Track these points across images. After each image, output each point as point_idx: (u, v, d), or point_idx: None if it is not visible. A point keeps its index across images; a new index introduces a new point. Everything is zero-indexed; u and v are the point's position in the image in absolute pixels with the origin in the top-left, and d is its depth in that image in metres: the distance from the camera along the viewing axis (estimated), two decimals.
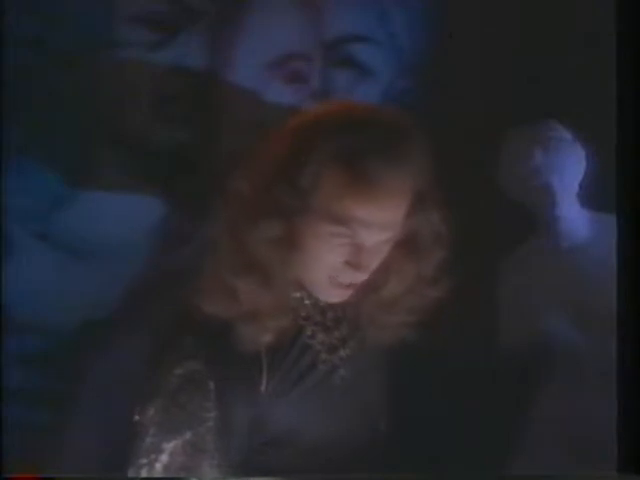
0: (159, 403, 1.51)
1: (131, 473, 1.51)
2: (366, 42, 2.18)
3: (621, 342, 1.65)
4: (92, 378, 1.97)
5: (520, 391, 1.93)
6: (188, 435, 1.50)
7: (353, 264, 1.49)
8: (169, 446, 1.49)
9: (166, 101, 2.07)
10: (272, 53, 2.11)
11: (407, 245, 1.56)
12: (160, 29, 2.04)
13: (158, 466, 1.49)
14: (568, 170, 2.07)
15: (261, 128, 1.97)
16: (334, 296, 1.57)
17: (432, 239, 1.57)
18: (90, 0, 1.98)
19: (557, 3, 2.11)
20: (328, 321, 1.65)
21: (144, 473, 1.50)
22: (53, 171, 1.98)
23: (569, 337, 1.97)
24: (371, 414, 1.72)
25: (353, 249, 1.48)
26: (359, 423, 1.68)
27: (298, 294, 1.60)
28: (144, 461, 1.49)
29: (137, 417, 1.53)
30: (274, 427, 1.60)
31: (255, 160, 1.52)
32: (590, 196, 2.06)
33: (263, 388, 1.56)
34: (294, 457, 1.62)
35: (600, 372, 1.81)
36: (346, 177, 1.43)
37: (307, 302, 1.62)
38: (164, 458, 1.49)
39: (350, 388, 1.66)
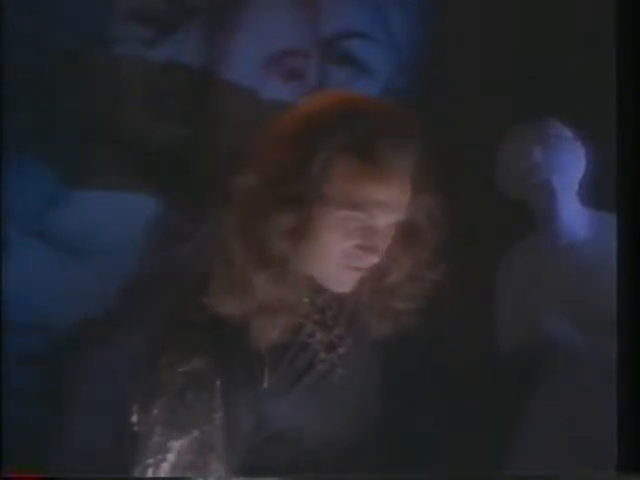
0: (164, 402, 1.51)
1: (137, 473, 1.51)
2: (364, 39, 2.18)
3: (621, 342, 1.66)
4: (92, 377, 1.97)
5: (520, 391, 1.94)
6: (195, 433, 1.51)
7: (366, 247, 1.52)
8: (176, 444, 1.50)
9: (163, 98, 2.07)
10: (269, 49, 2.11)
11: (405, 231, 1.59)
12: (157, 26, 2.03)
13: (165, 465, 1.50)
14: (567, 168, 2.07)
15: (258, 125, 1.97)
16: (343, 283, 1.58)
17: (428, 224, 1.60)
18: None
19: (557, 3, 2.11)
20: (328, 319, 1.66)
21: (150, 472, 1.50)
22: (52, 170, 1.98)
23: (568, 336, 1.97)
24: (369, 412, 1.73)
25: (366, 232, 1.51)
26: (358, 421, 1.68)
27: (299, 291, 1.60)
28: (151, 460, 1.50)
29: (140, 416, 1.53)
30: (276, 424, 1.61)
31: (261, 155, 1.53)
32: (590, 195, 2.07)
33: (266, 385, 1.58)
34: (295, 454, 1.62)
35: (600, 372, 1.81)
36: (356, 162, 1.47)
37: (306, 300, 1.63)
38: (171, 457, 1.50)
39: (349, 386, 1.67)
